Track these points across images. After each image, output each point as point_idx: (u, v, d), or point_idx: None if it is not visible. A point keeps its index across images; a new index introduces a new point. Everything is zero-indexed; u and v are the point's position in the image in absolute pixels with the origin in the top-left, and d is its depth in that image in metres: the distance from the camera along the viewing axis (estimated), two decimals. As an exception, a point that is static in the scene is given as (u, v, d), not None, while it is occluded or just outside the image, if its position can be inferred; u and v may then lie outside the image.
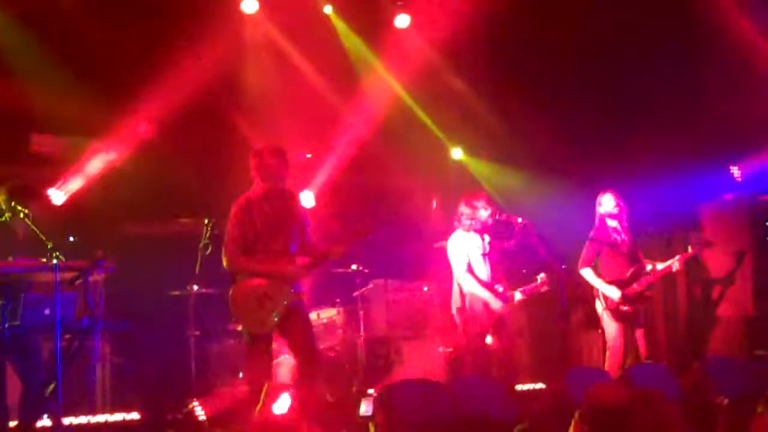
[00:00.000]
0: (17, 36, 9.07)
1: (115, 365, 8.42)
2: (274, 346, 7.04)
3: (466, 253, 8.15)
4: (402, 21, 10.76)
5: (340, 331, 9.39)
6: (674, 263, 8.64)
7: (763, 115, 9.82)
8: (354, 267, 9.57)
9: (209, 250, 8.16)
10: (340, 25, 10.63)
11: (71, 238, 7.13)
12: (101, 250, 6.94)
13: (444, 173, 11.54)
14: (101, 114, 9.22)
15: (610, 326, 8.49)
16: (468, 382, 7.28)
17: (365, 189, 10.88)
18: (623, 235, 8.70)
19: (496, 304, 8.04)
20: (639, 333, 8.52)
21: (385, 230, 7.80)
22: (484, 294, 8.04)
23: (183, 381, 8.43)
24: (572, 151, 10.70)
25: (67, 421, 7.20)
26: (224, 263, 6.80)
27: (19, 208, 6.89)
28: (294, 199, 7.09)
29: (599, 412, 4.43)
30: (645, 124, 10.62)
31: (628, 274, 8.55)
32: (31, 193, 7.08)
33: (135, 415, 7.93)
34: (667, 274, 8.78)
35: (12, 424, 6.86)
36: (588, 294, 8.86)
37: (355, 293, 9.64)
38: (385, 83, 10.83)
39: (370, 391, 8.58)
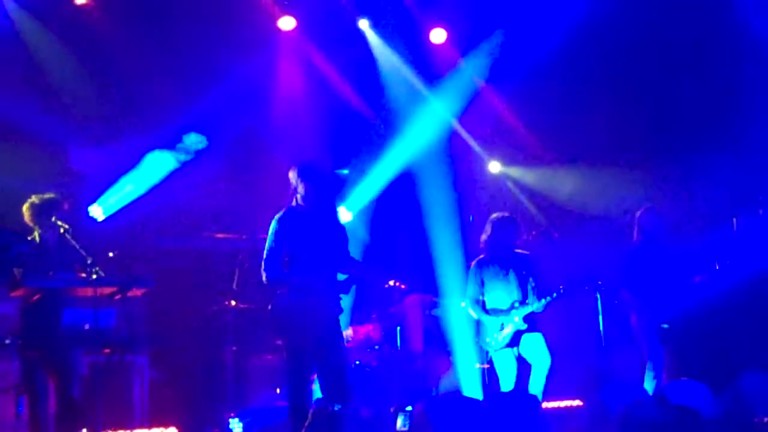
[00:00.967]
0: (55, 50, 9.21)
1: (154, 380, 8.48)
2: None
3: (476, 281, 8.46)
4: (438, 36, 10.78)
5: (377, 346, 9.39)
6: None
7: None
8: (391, 283, 9.57)
9: (247, 266, 8.21)
10: (374, 40, 10.68)
11: (110, 254, 7.17)
12: (140, 266, 7.01)
13: (481, 187, 11.50)
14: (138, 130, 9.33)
15: (647, 342, 8.44)
16: (503, 397, 7.25)
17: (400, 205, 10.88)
18: (660, 252, 8.64)
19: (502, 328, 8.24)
20: (673, 348, 8.45)
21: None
22: (486, 321, 8.35)
23: (220, 396, 8.48)
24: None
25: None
26: (263, 277, 6.82)
27: (60, 223, 6.98)
28: (333, 213, 7.09)
29: (635, 427, 4.42)
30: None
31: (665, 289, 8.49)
32: (57, 206, 7.11)
33: (173, 430, 8.00)
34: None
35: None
36: (624, 309, 8.79)
37: (392, 309, 9.64)
38: (420, 98, 10.85)
39: (408, 408, 8.57)
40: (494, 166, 11.50)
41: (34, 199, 7.09)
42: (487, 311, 8.40)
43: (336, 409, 6.49)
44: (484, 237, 8.65)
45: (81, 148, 9.37)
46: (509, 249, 8.54)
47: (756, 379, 7.32)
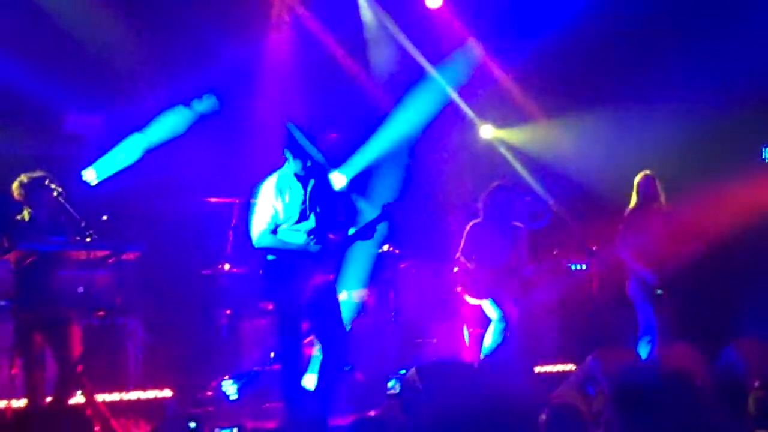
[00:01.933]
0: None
1: (147, 343, 8.49)
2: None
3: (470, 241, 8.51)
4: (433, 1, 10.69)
5: (370, 311, 9.41)
6: None
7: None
8: (385, 248, 9.57)
9: (240, 230, 8.19)
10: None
11: (103, 218, 7.16)
12: (133, 230, 7.00)
13: (475, 153, 11.46)
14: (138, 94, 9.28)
15: (641, 307, 8.49)
16: (496, 362, 7.29)
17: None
18: (658, 217, 8.64)
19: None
20: (669, 313, 8.50)
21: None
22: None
23: (214, 359, 8.50)
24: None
25: (99, 397, 7.29)
26: (253, 241, 6.83)
27: (54, 186, 6.96)
28: (323, 177, 7.08)
29: (627, 392, 4.44)
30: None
31: (662, 256, 8.51)
32: (47, 184, 7.03)
33: (167, 393, 8.02)
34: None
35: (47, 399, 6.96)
36: (618, 274, 8.82)
37: (387, 274, 9.65)
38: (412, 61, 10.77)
39: (401, 371, 8.61)
40: (486, 131, 11.46)
41: (23, 178, 7.05)
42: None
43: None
44: (480, 204, 8.70)
45: (79, 113, 9.33)
46: (505, 219, 8.58)
47: (748, 344, 7.36)
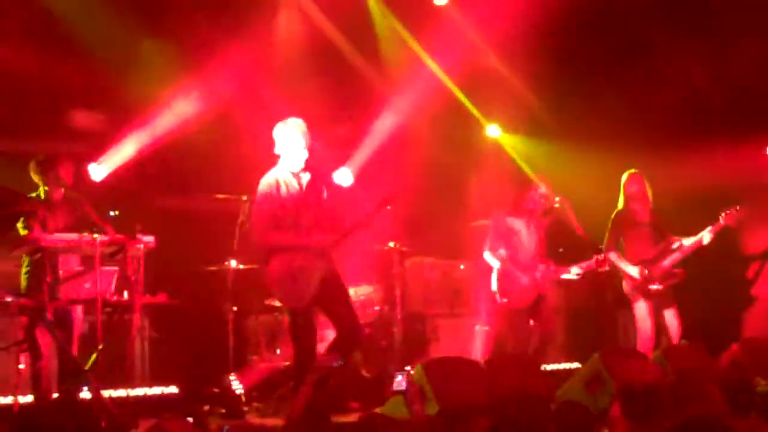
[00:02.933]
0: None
1: (154, 339, 8.51)
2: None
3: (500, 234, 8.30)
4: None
5: (377, 308, 9.41)
6: (704, 236, 8.45)
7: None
8: (391, 244, 9.57)
9: (247, 227, 8.20)
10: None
11: (111, 213, 7.20)
12: (141, 225, 7.02)
13: (480, 151, 11.46)
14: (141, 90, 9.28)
15: (638, 306, 8.50)
16: (504, 360, 7.27)
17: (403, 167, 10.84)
18: (647, 215, 8.65)
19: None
20: (670, 312, 8.48)
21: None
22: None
23: (221, 355, 8.51)
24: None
25: (106, 393, 7.30)
26: (253, 239, 6.85)
27: (62, 182, 7.07)
28: (321, 173, 7.09)
29: (631, 391, 4.44)
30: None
31: (654, 252, 8.51)
32: (61, 162, 7.32)
33: (173, 389, 8.03)
34: (699, 248, 8.62)
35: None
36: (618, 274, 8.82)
37: (393, 271, 9.65)
38: (420, 62, 10.77)
39: (407, 368, 8.61)
40: (492, 130, 11.45)
41: (39, 156, 7.32)
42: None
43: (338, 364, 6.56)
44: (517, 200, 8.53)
45: (87, 108, 9.35)
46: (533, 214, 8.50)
47: (753, 342, 7.35)
